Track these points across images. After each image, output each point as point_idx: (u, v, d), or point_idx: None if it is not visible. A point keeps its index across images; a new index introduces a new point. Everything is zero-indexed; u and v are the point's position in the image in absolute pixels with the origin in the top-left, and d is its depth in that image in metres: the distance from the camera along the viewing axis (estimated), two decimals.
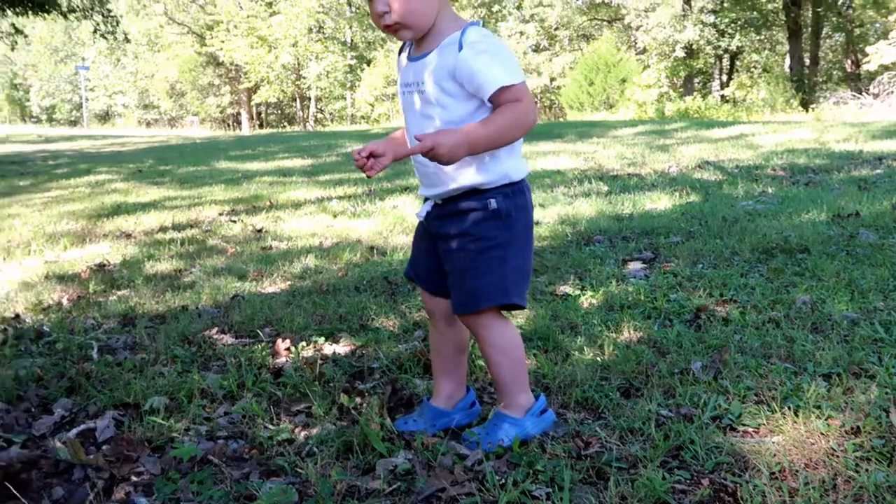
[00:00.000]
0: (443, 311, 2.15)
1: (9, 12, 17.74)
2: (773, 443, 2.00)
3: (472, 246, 1.99)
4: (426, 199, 2.11)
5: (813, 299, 3.24)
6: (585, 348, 2.79)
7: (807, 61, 35.59)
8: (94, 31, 21.36)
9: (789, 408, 2.17)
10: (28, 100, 67.44)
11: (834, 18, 36.43)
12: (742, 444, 2.01)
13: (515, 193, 2.01)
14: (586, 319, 3.14)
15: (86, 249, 5.33)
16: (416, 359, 2.75)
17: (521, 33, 40.54)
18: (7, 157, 16.71)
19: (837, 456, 1.92)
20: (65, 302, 3.89)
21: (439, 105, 1.94)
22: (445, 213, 2.05)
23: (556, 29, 41.52)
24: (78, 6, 19.76)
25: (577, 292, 3.58)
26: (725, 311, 3.16)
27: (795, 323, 2.98)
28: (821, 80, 36.62)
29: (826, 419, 2.10)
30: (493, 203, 1.98)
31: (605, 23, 42.44)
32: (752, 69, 42.05)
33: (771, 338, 2.80)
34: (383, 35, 42.91)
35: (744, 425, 2.13)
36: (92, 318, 3.54)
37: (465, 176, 1.97)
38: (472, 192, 1.99)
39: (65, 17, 19.48)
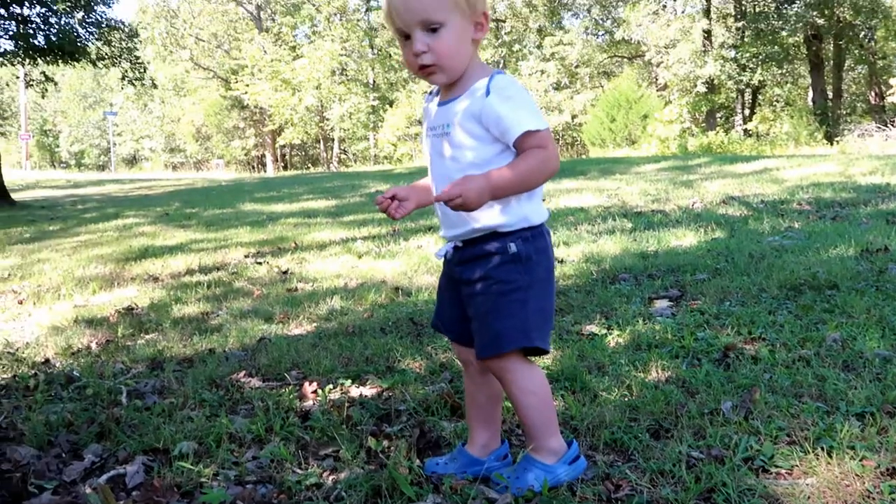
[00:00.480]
0: (475, 360, 2.15)
1: (40, 61, 18.16)
2: (807, 485, 1.97)
3: (493, 289, 2.00)
4: (448, 241, 2.13)
5: (843, 336, 3.20)
6: (613, 389, 2.77)
7: (830, 94, 35.52)
8: (123, 78, 21.74)
9: (822, 448, 2.13)
10: (58, 146, 68.86)
11: (856, 51, 36.42)
12: (775, 486, 1.98)
13: (535, 237, 2.03)
14: (613, 359, 3.12)
15: (114, 293, 5.39)
16: (444, 401, 2.74)
17: (542, 72, 40.86)
18: (37, 202, 17.01)
19: (873, 498, 1.89)
20: (94, 346, 3.94)
21: (465, 147, 1.97)
22: (466, 257, 2.06)
23: (577, 67, 41.82)
24: (107, 54, 20.17)
25: (604, 332, 3.57)
26: (754, 350, 3.13)
27: (826, 361, 2.94)
28: (844, 112, 36.54)
29: (860, 460, 2.06)
30: (512, 247, 1.99)
31: (625, 60, 42.69)
32: (775, 103, 42.01)
33: (802, 376, 2.77)
34: (405, 75, 43.49)
35: (776, 467, 2.10)
36: (121, 362, 3.57)
37: (485, 217, 1.98)
38: (492, 236, 2.01)
39: (94, 64, 19.88)
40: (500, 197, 1.93)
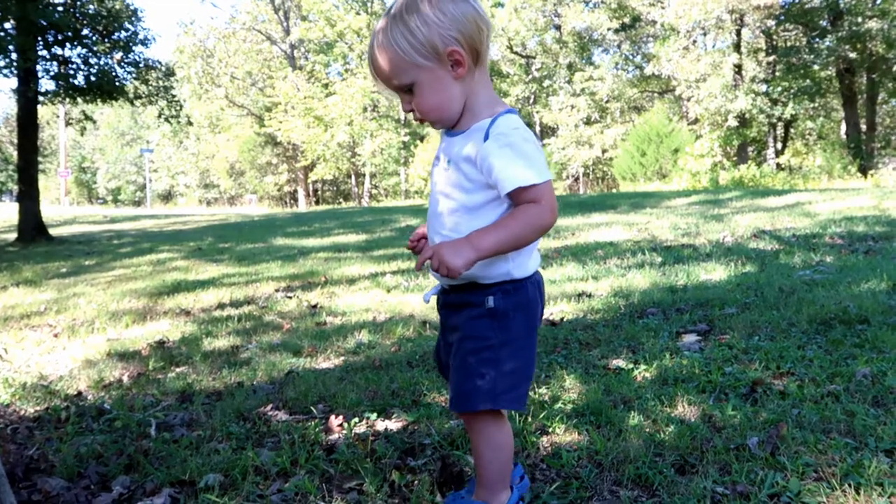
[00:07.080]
0: None
1: (79, 100, 18.63)
2: None
3: (465, 345, 1.95)
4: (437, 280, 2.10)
5: (873, 372, 3.15)
6: (639, 424, 2.76)
7: (863, 127, 35.20)
8: (159, 116, 22.20)
9: (850, 485, 2.11)
10: (95, 182, 70.36)
11: (890, 84, 36.10)
12: None
13: (517, 290, 1.95)
14: (639, 394, 3.10)
15: (146, 327, 5.47)
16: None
17: (573, 107, 41.01)
18: (74, 238, 17.32)
19: None
20: (125, 379, 3.99)
21: (460, 188, 1.92)
22: (449, 303, 2.04)
23: (607, 101, 41.94)
24: (144, 93, 20.64)
25: (631, 366, 3.55)
26: (782, 385, 3.10)
27: (855, 396, 2.90)
28: (879, 145, 36.15)
29: (889, 497, 2.03)
30: (490, 301, 1.93)
31: (655, 94, 42.73)
32: (808, 136, 41.74)
33: (830, 412, 2.73)
34: None
35: (803, 503, 2.07)
36: (151, 395, 3.62)
37: None
38: (474, 287, 1.96)
39: (131, 103, 20.34)
40: (490, 256, 1.86)
